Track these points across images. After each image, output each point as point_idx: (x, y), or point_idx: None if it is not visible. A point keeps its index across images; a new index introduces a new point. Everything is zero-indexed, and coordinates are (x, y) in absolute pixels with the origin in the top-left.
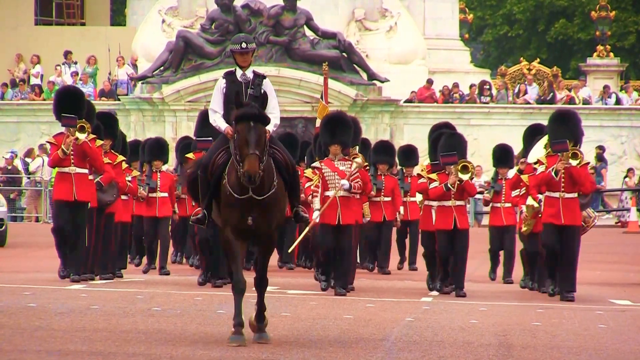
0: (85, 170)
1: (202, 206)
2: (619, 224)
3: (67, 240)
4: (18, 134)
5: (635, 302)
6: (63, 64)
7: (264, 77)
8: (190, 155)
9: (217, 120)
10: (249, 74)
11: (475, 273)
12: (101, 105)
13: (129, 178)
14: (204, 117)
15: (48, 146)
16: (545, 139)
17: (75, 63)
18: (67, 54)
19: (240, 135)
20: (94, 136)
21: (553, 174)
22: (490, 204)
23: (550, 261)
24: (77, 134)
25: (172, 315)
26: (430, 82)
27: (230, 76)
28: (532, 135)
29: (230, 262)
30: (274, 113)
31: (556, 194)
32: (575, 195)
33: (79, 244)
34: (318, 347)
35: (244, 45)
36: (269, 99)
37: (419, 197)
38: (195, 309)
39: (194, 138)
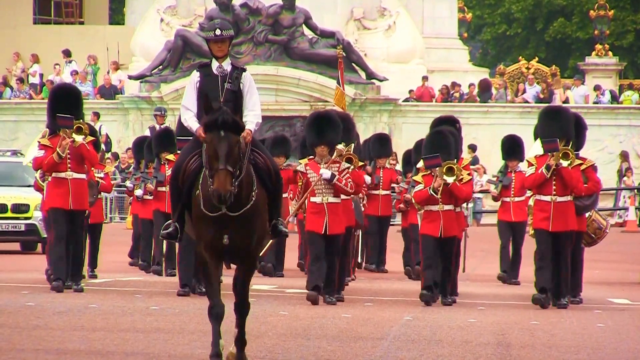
0: (83, 176)
1: (173, 218)
2: (617, 223)
3: (65, 250)
4: (16, 133)
5: (633, 301)
6: (65, 62)
7: (243, 70)
8: (170, 157)
9: (189, 119)
10: (226, 66)
11: (474, 272)
12: (100, 104)
13: (102, 174)
14: None
15: (36, 145)
16: None
17: (73, 62)
18: (66, 52)
19: (210, 147)
20: (92, 138)
21: (545, 171)
22: (501, 200)
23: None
24: (74, 136)
25: (171, 314)
26: (425, 78)
27: (204, 69)
28: None
29: (206, 285)
30: (255, 110)
31: (547, 198)
32: (569, 198)
33: (78, 254)
34: (316, 346)
35: (218, 32)
36: (249, 95)
37: None
38: (193, 308)
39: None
